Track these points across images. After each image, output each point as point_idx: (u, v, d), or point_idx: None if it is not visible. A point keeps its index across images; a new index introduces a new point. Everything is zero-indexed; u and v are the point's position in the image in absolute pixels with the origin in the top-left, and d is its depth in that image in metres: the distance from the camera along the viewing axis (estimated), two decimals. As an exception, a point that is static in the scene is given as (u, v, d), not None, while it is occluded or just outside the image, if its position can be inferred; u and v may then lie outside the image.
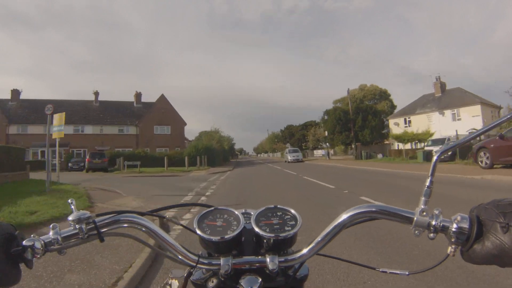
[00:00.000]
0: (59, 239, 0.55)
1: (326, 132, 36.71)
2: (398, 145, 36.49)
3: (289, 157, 34.29)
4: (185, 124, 42.68)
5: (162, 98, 42.73)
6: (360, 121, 37.82)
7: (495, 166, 11.95)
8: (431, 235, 0.54)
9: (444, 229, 0.53)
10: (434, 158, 0.55)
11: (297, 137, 63.19)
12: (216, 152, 33.99)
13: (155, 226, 0.61)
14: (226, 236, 0.60)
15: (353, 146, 38.29)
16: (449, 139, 21.51)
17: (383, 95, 46.86)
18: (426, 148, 23.50)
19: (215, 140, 39.37)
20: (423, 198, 0.55)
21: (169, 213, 5.41)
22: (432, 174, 0.55)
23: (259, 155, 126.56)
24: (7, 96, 39.47)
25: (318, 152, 48.05)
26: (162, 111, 41.53)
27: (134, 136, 40.89)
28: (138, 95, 44.12)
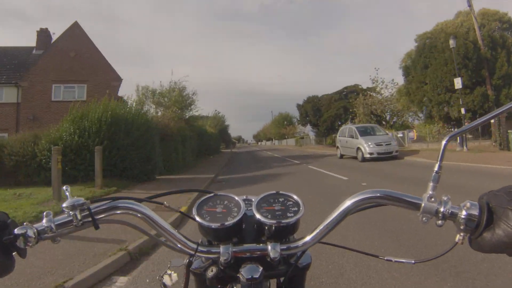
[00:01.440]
0: (53, 226, 0.53)
1: (459, 81, 14.60)
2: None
3: (367, 148, 12.91)
4: (120, 80, 20.21)
5: (74, 28, 20.77)
6: (505, 65, 16.72)
7: None
8: (439, 222, 0.52)
9: (452, 216, 0.51)
10: (443, 143, 0.53)
11: (331, 113, 35.53)
12: (176, 139, 12.87)
13: (153, 213, 0.58)
14: (226, 223, 0.58)
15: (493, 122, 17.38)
16: None
17: (514, 24, 24.75)
18: None
19: (171, 107, 16.30)
20: (431, 184, 0.53)
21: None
22: (441, 160, 0.53)
23: (260, 143, 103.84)
24: None
25: (378, 138, 25.61)
26: (72, 54, 19.82)
27: (14, 106, 19.58)
28: (42, 34, 22.44)
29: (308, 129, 44.14)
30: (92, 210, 0.55)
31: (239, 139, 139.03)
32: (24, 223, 0.53)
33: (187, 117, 18.51)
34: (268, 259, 0.57)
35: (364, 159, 12.91)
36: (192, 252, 0.58)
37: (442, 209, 0.51)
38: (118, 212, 0.58)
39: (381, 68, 65.99)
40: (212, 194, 0.66)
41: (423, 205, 0.52)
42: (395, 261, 0.60)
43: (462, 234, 0.51)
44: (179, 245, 0.59)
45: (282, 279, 0.63)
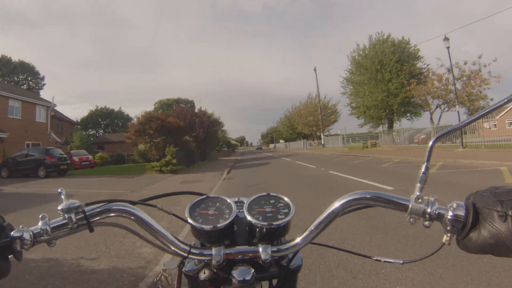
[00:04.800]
0: (48, 229, 0.53)
1: None
2: None
3: None
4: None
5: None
6: None
7: None
8: (426, 223, 0.52)
9: (439, 217, 0.51)
10: (430, 143, 0.52)
11: None
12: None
13: (146, 216, 0.59)
14: (218, 225, 0.59)
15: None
16: None
17: None
18: None
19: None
20: (418, 185, 0.53)
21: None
22: (428, 160, 0.52)
23: (274, 145, 78.15)
24: None
25: None
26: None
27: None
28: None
29: None
30: (87, 213, 0.55)
31: (242, 140, 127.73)
32: (20, 226, 0.53)
33: None
34: (260, 261, 0.57)
35: None
36: (185, 255, 0.59)
37: (429, 210, 0.51)
38: (112, 214, 0.58)
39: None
40: (204, 196, 0.66)
41: (410, 206, 0.52)
42: (384, 261, 0.60)
43: (449, 234, 0.51)
44: (172, 248, 0.59)
45: (274, 281, 0.63)
